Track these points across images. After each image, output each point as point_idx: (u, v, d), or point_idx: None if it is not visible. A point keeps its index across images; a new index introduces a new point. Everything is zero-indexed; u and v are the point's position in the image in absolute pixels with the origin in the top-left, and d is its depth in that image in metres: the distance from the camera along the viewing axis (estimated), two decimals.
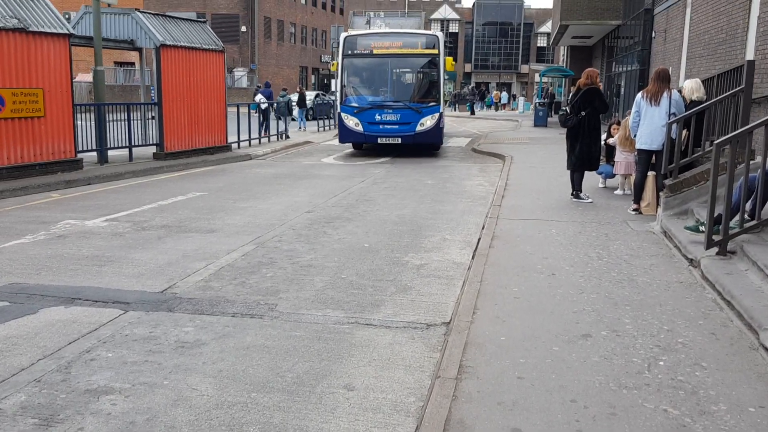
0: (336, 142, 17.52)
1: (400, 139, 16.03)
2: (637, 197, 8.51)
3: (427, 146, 17.11)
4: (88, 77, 18.78)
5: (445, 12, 74.57)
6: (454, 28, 74.89)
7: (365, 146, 17.68)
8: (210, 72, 15.42)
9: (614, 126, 10.71)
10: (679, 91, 8.42)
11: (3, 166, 10.68)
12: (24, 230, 7.64)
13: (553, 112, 31.44)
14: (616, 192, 10.10)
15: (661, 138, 7.95)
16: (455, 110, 45.57)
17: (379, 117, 16.00)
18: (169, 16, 15.38)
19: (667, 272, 5.76)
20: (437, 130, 16.19)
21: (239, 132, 17.61)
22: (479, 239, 7.20)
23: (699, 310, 4.76)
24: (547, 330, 4.38)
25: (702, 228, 6.08)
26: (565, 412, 3.28)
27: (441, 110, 16.21)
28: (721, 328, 4.41)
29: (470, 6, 77.19)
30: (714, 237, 5.65)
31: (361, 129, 16.07)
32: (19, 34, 10.74)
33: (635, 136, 8.43)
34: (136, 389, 3.65)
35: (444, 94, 16.80)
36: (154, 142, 14.29)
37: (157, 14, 15.07)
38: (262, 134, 20.25)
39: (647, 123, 8.15)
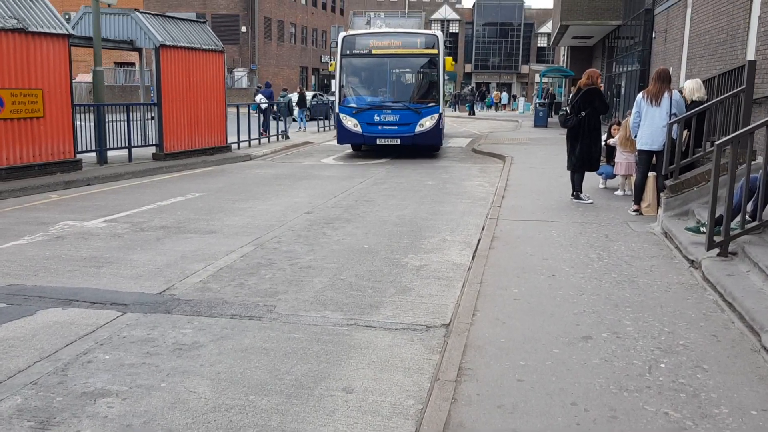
0: (336, 142, 17.45)
1: (399, 140, 15.86)
2: (638, 198, 8.48)
3: (426, 147, 16.94)
4: (88, 77, 18.78)
5: (445, 12, 74.57)
6: (454, 28, 74.88)
7: (365, 147, 17.56)
8: (210, 72, 15.40)
9: (615, 126, 10.68)
10: (680, 92, 8.39)
11: (2, 167, 10.65)
12: (22, 231, 7.61)
13: (553, 113, 31.41)
14: (616, 193, 10.07)
15: (662, 138, 7.93)
16: (455, 110, 45.53)
17: (378, 118, 15.82)
18: (169, 17, 15.35)
19: (667, 273, 5.73)
20: (437, 130, 16.02)
21: (239, 132, 17.58)
22: (479, 240, 7.17)
23: (700, 312, 4.74)
24: (547, 332, 4.35)
25: (703, 229, 6.06)
26: (566, 415, 3.25)
27: (441, 111, 16.04)
28: (723, 330, 4.38)
29: (470, 6, 77.20)
30: (715, 238, 5.62)
31: (360, 130, 15.91)
32: (18, 35, 10.72)
33: (636, 136, 8.41)
34: (133, 392, 3.62)
35: (444, 95, 16.68)
36: (154, 143, 14.27)
37: (157, 14, 15.04)
38: (262, 134, 20.21)
39: (648, 123, 8.13)
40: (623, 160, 9.81)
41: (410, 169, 14.36)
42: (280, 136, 21.02)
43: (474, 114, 41.19)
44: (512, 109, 50.90)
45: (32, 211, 8.97)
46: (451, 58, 18.22)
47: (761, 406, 3.34)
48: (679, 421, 3.19)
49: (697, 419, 3.21)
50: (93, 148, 12.91)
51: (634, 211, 8.43)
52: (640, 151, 8.36)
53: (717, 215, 5.63)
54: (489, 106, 52.28)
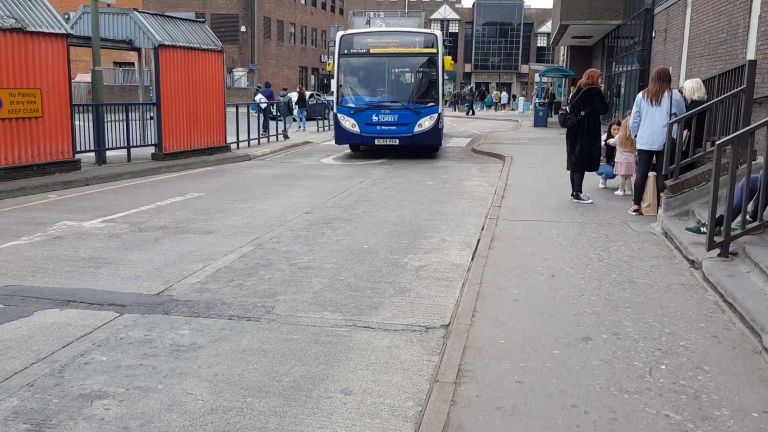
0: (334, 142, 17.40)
1: (397, 141, 15.70)
2: (638, 198, 8.46)
3: (425, 148, 16.79)
4: (88, 77, 18.76)
5: (445, 12, 74.53)
6: (454, 28, 74.85)
7: (364, 147, 17.40)
8: (209, 72, 15.37)
9: (614, 126, 10.66)
10: (680, 91, 8.37)
11: (0, 167, 10.62)
12: (20, 231, 7.59)
13: (553, 112, 31.39)
14: (616, 193, 10.05)
15: (662, 138, 7.90)
16: (455, 110, 45.51)
17: (377, 118, 15.66)
18: (168, 16, 15.32)
19: (668, 274, 5.70)
20: (436, 131, 15.87)
21: (238, 132, 17.55)
22: (479, 240, 7.15)
23: (701, 313, 4.71)
24: (547, 333, 4.33)
25: (703, 229, 6.03)
26: (566, 418, 3.23)
27: (440, 111, 15.90)
28: (723, 331, 4.36)
29: (470, 6, 77.16)
30: (715, 238, 5.60)
31: (358, 130, 15.75)
32: (16, 34, 10.69)
33: (636, 136, 8.39)
34: (130, 394, 3.60)
35: (443, 95, 16.59)
36: (153, 143, 14.24)
37: (156, 14, 15.01)
38: (261, 134, 20.18)
39: (648, 123, 8.10)
40: (623, 160, 9.79)
41: (410, 169, 14.33)
42: (279, 136, 20.99)
43: (474, 114, 41.16)
44: (512, 109, 50.88)
45: (30, 211, 8.94)
46: (450, 57, 18.10)
47: (762, 408, 3.31)
48: (680, 424, 3.16)
49: (698, 421, 3.18)
50: (92, 148, 12.88)
51: (634, 211, 8.41)
52: (640, 151, 8.34)
53: (717, 215, 5.61)
54: (489, 106, 52.25)
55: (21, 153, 11.00)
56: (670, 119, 7.84)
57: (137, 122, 14.39)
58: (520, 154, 15.78)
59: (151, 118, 14.42)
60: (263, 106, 21.18)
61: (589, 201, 9.28)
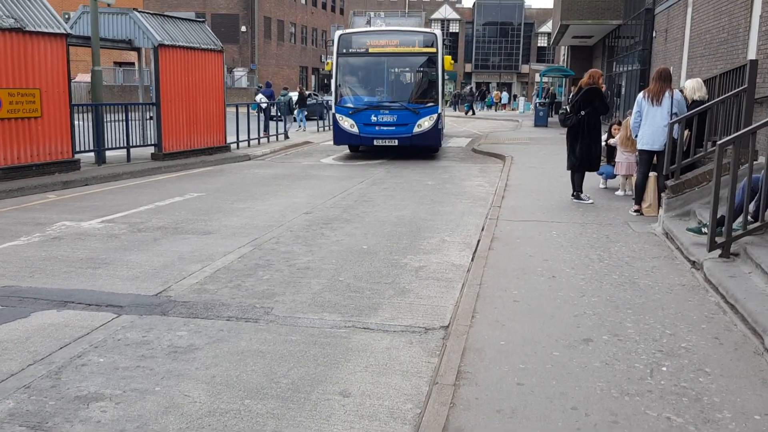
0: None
1: (396, 141, 15.51)
2: (639, 198, 8.43)
3: (425, 148, 16.60)
4: (88, 77, 18.68)
5: (445, 12, 74.49)
6: (454, 28, 74.81)
7: (363, 147, 17.22)
8: (209, 72, 15.34)
9: (615, 126, 10.62)
10: (681, 91, 8.34)
11: None
12: (19, 232, 7.56)
13: (553, 112, 31.35)
14: (617, 193, 10.02)
15: (663, 138, 7.87)
16: (455, 110, 45.49)
17: (375, 118, 15.46)
18: (168, 16, 15.29)
19: (669, 275, 5.67)
20: (435, 131, 15.68)
21: (238, 132, 17.53)
22: (479, 241, 7.12)
23: (702, 314, 4.68)
24: (547, 334, 4.30)
25: (704, 230, 6.00)
26: (566, 420, 3.20)
27: (439, 111, 15.73)
28: (725, 333, 4.33)
29: (470, 6, 77.12)
30: (717, 239, 5.57)
31: (357, 130, 15.56)
32: (15, 34, 10.67)
33: (636, 136, 8.35)
34: (127, 396, 3.57)
35: (444, 95, 16.49)
36: (153, 143, 14.22)
37: (156, 14, 14.98)
38: (262, 134, 20.14)
39: (649, 123, 8.07)
40: (624, 160, 9.76)
41: (410, 169, 14.30)
42: (280, 136, 20.97)
43: (474, 114, 41.13)
44: (512, 109, 50.85)
45: (29, 211, 8.92)
46: (450, 57, 17.96)
47: (765, 411, 3.28)
48: (681, 426, 3.13)
49: (699, 424, 3.15)
50: (91, 148, 12.86)
51: (635, 211, 8.38)
52: (641, 151, 8.31)
53: (719, 216, 5.58)
54: (489, 106, 52.23)
55: (20, 153, 10.97)
56: (671, 119, 7.81)
57: (137, 122, 14.36)
58: (520, 154, 15.75)
59: (151, 118, 14.39)
60: (263, 106, 21.14)
61: (590, 201, 9.26)
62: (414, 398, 3.58)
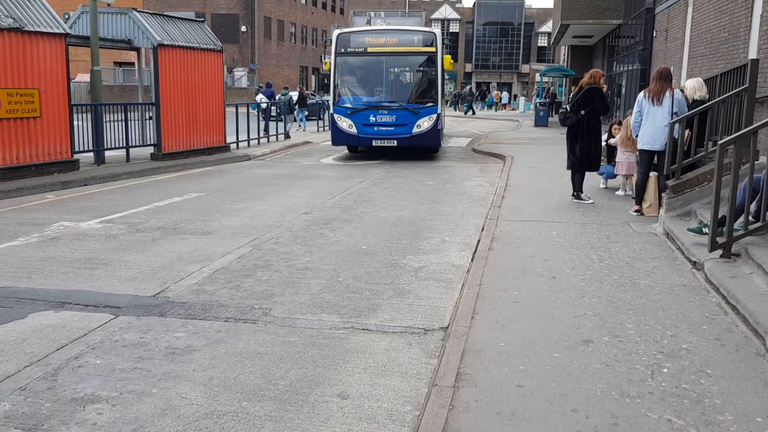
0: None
1: (395, 142, 15.32)
2: (639, 198, 8.40)
3: (424, 149, 16.41)
4: (88, 77, 18.62)
5: (445, 12, 74.46)
6: (454, 27, 74.78)
7: (363, 147, 17.04)
8: (208, 72, 15.31)
9: (615, 126, 10.59)
10: (681, 91, 8.31)
11: None
12: (17, 232, 7.53)
13: (554, 112, 31.32)
14: (617, 193, 9.99)
15: (664, 138, 7.84)
16: (456, 110, 45.47)
17: (374, 118, 15.26)
18: (167, 16, 15.26)
19: (670, 275, 5.64)
20: (435, 132, 15.49)
21: (238, 132, 17.50)
22: (479, 241, 7.09)
23: (703, 315, 4.65)
24: (547, 335, 4.27)
25: (705, 230, 5.97)
26: (566, 423, 3.17)
27: (439, 111, 15.57)
28: (726, 334, 4.30)
29: (471, 6, 77.08)
30: (718, 239, 5.54)
31: (355, 131, 15.37)
32: (14, 34, 10.64)
33: (637, 136, 8.32)
34: (124, 398, 3.54)
35: (444, 94, 16.36)
36: (152, 143, 14.19)
37: (155, 14, 14.95)
38: (262, 134, 20.11)
39: (649, 123, 8.04)
40: (624, 159, 9.73)
41: (410, 169, 14.27)
42: (280, 136, 20.93)
43: (474, 113, 41.11)
44: (512, 109, 50.82)
45: (28, 211, 8.89)
46: (449, 56, 17.83)
47: (767, 413, 3.25)
48: (682, 429, 3.10)
49: (701, 426, 3.12)
50: (90, 148, 12.83)
51: (636, 211, 8.35)
52: (642, 151, 8.28)
53: (720, 216, 5.55)
54: (489, 106, 52.20)
55: (19, 153, 10.95)
56: (672, 119, 7.78)
57: (136, 122, 14.33)
58: (520, 154, 15.72)
59: (150, 118, 14.36)
60: (263, 106, 21.11)
61: (590, 201, 9.23)
62: (413, 400, 3.55)
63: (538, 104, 29.51)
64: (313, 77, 58.31)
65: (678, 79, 13.68)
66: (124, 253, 6.61)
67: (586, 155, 9.23)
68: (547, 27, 68.07)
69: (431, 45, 15.59)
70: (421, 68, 15.96)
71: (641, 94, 8.28)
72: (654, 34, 18.29)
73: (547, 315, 4.66)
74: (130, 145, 13.66)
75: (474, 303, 4.90)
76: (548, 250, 6.54)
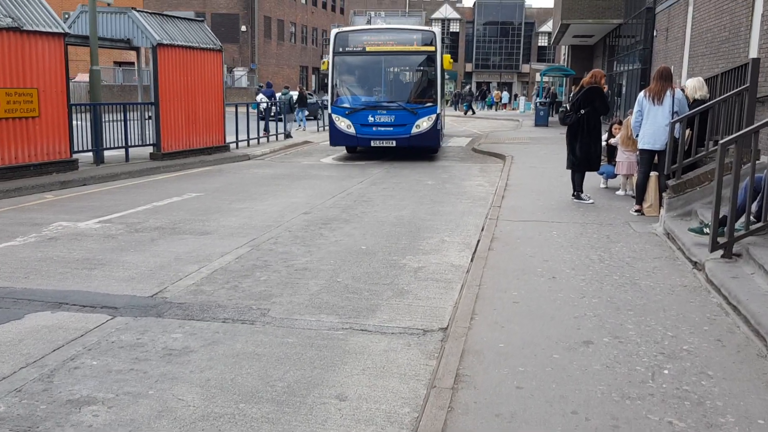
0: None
1: (394, 142, 15.16)
2: (640, 198, 8.37)
3: (423, 149, 16.26)
4: (88, 77, 18.59)
5: (445, 11, 74.40)
6: (454, 27, 74.72)
7: (361, 148, 16.88)
8: (208, 71, 15.27)
9: (616, 126, 10.56)
10: (682, 90, 8.28)
11: None
12: (15, 232, 7.51)
13: (554, 112, 31.29)
14: (617, 193, 9.95)
15: (664, 137, 7.81)
16: (456, 110, 45.44)
17: (373, 118, 15.09)
18: (167, 15, 15.23)
19: (670, 275, 5.61)
20: (434, 132, 15.33)
21: (237, 132, 17.47)
22: (478, 241, 7.06)
23: (704, 316, 4.62)
24: (547, 336, 4.24)
25: (706, 230, 5.94)
26: (566, 425, 3.14)
27: (438, 111, 15.41)
28: (728, 335, 4.27)
29: (471, 5, 77.03)
30: (719, 239, 5.51)
31: (353, 131, 15.21)
32: (13, 34, 10.61)
33: (637, 135, 8.29)
34: (120, 399, 3.51)
35: (443, 94, 16.23)
36: (151, 143, 14.16)
37: (154, 13, 14.91)
38: (262, 134, 20.08)
39: (650, 122, 8.01)
40: (624, 159, 9.70)
41: (410, 168, 14.24)
42: (280, 135, 20.89)
43: (474, 113, 41.08)
44: (513, 109, 50.78)
45: (26, 211, 8.86)
46: (449, 55, 17.72)
47: None
48: (683, 431, 3.07)
49: (702, 429, 3.09)
50: (89, 147, 12.80)
51: (636, 211, 8.32)
52: (642, 151, 8.24)
53: (721, 216, 5.52)
54: (489, 106, 52.17)
55: (18, 153, 10.92)
56: (673, 118, 7.75)
57: (135, 122, 14.29)
58: (520, 154, 15.68)
59: (150, 117, 14.33)
60: (263, 106, 21.08)
61: (590, 201, 9.19)
62: (411, 402, 3.52)
63: (538, 104, 29.48)
64: (313, 77, 58.26)
65: (678, 78, 13.65)
66: (122, 254, 6.58)
67: (585, 155, 9.20)
68: (548, 27, 68.01)
69: (430, 44, 15.43)
70: (421, 68, 15.79)
71: (642, 93, 8.24)
72: (654, 34, 18.26)
73: (546, 316, 4.62)
74: (130, 144, 13.63)
75: (473, 303, 4.87)
76: (548, 250, 6.50)
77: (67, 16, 14.64)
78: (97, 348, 4.20)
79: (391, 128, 15.12)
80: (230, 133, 16.83)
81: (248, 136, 18.30)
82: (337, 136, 15.69)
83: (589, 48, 34.34)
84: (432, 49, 15.41)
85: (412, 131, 15.11)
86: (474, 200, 10.04)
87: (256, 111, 20.95)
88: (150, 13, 14.54)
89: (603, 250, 6.45)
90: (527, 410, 3.28)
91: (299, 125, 25.55)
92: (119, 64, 41.70)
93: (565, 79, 39.67)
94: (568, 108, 9.41)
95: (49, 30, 11.20)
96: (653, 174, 8.31)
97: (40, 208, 9.16)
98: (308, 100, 30.41)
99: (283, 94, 22.57)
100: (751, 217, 5.51)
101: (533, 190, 10.38)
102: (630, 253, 6.37)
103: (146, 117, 14.50)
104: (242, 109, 18.68)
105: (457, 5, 77.45)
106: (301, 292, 5.37)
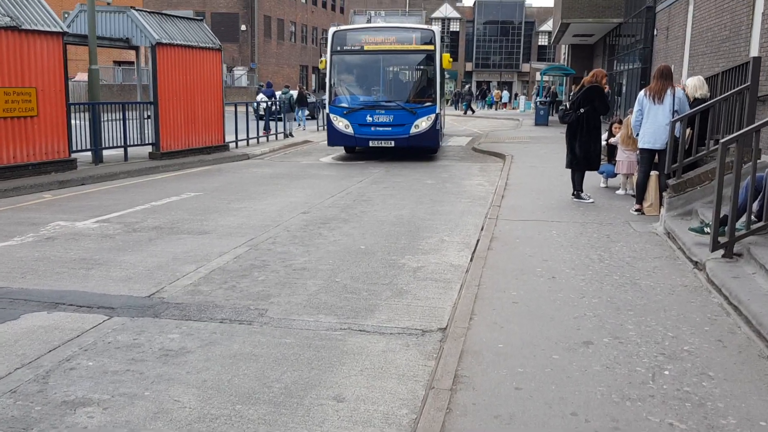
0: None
1: (393, 142, 14.99)
2: (640, 197, 8.33)
3: (422, 149, 16.11)
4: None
5: (446, 11, 74.36)
6: (455, 26, 74.69)
7: (360, 148, 16.73)
8: (207, 70, 15.24)
9: (616, 125, 10.53)
10: (683, 89, 8.24)
11: None
12: (13, 232, 7.47)
13: (554, 111, 31.25)
14: (617, 192, 9.92)
15: (665, 137, 7.78)
16: (456, 109, 45.41)
17: (371, 118, 14.92)
18: (166, 14, 15.18)
19: (671, 275, 5.58)
20: (433, 132, 15.16)
21: (237, 131, 17.43)
22: (478, 241, 7.02)
23: (705, 316, 4.59)
24: (546, 337, 4.21)
25: (707, 229, 5.91)
26: (566, 426, 3.10)
27: (438, 111, 15.25)
28: (729, 335, 4.23)
29: (471, 4, 76.99)
30: (720, 239, 5.48)
31: (352, 131, 15.05)
32: (11, 33, 10.57)
33: (638, 134, 8.26)
34: (116, 401, 3.48)
35: (443, 94, 16.14)
36: (150, 142, 14.13)
37: (153, 12, 14.87)
38: (262, 134, 20.04)
39: (650, 121, 7.98)
40: (625, 158, 9.66)
41: (409, 168, 14.20)
42: (280, 135, 20.85)
43: (474, 112, 41.06)
44: (513, 108, 50.75)
45: (24, 211, 8.83)
46: (448, 54, 17.62)
47: None
48: None
49: (703, 431, 3.06)
50: (88, 147, 12.76)
51: (636, 210, 8.29)
52: (642, 150, 8.21)
53: (722, 215, 5.49)
54: (490, 105, 52.14)
55: (16, 152, 10.89)
56: (673, 117, 7.71)
57: (134, 121, 14.24)
58: (520, 153, 15.65)
59: (149, 117, 14.29)
60: (263, 105, 21.04)
61: (590, 200, 9.16)
62: (410, 403, 3.49)
63: (538, 103, 29.45)
64: (313, 76, 58.20)
65: (679, 77, 13.61)
66: (120, 253, 6.55)
67: (585, 154, 9.17)
68: (548, 26, 67.97)
69: (430, 43, 15.26)
70: (420, 67, 15.64)
71: (642, 92, 8.21)
72: (655, 33, 18.22)
73: (546, 316, 4.59)
74: (128, 144, 13.59)
75: (472, 304, 4.84)
76: (548, 249, 6.47)
77: (66, 15, 14.60)
78: (93, 349, 4.17)
79: (390, 128, 14.95)
80: (230, 132, 16.79)
81: (248, 136, 18.27)
82: (335, 136, 15.53)
83: (590, 47, 34.31)
84: (431, 47, 15.25)
85: (411, 131, 14.95)
86: (473, 200, 10.01)
87: (254, 111, 20.89)
88: (149, 12, 14.51)
89: (603, 250, 6.42)
90: (526, 412, 3.25)
91: (299, 125, 25.52)
92: (118, 63, 41.63)
93: (565, 78, 39.63)
94: (568, 106, 9.37)
95: (48, 29, 11.17)
96: (653, 173, 8.28)
97: (38, 207, 9.12)
98: (308, 99, 30.41)
99: (283, 93, 22.53)
100: (752, 217, 5.48)
101: (533, 189, 10.34)
102: (630, 252, 6.34)
103: (145, 116, 14.46)
104: (242, 109, 18.64)
105: (457, 4, 77.41)
106: (300, 292, 5.34)
